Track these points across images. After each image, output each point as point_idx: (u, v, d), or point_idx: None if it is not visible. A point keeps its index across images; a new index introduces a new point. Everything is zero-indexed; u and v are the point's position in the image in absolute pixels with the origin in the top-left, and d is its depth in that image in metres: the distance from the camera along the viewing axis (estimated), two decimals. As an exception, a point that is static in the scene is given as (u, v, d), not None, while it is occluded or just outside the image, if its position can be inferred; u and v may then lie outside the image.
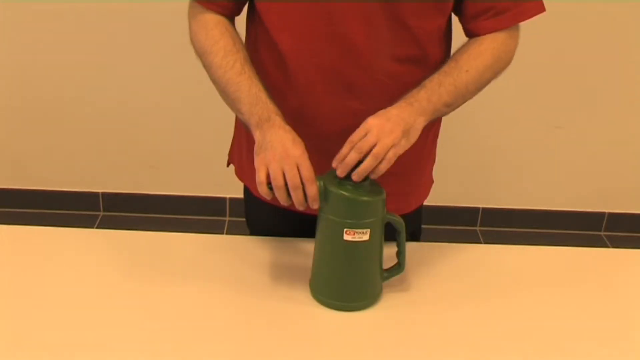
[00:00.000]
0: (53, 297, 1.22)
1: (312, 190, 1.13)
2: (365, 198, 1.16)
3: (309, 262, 1.26)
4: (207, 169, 2.84)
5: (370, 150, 1.12)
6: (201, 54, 1.26)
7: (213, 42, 1.24)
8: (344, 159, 1.13)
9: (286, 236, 1.41)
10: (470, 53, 1.27)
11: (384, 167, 1.14)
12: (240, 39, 1.28)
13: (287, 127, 1.18)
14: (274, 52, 1.27)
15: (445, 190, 2.44)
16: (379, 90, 1.28)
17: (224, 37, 1.25)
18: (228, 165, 1.51)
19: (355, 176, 1.14)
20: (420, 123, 1.18)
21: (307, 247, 1.27)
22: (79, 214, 2.98)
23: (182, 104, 2.77)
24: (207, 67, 1.26)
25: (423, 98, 1.20)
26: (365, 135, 1.13)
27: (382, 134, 1.13)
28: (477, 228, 3.06)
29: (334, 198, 1.16)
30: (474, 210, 3.03)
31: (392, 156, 1.14)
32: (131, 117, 2.80)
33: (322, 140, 1.29)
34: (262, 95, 1.21)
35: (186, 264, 1.32)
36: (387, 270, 1.26)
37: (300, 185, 1.12)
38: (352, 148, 1.13)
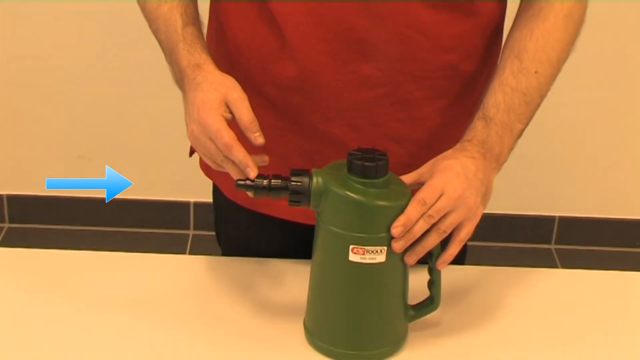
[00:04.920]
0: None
1: (236, 155, 1.00)
2: (381, 202, 0.99)
3: (304, 293, 1.10)
4: (163, 163, 2.52)
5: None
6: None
7: None
8: (410, 225, 0.98)
9: (271, 255, 1.27)
10: (536, 40, 1.12)
11: (454, 252, 1.02)
12: None
13: (200, 83, 1.06)
14: (262, 11, 1.15)
15: (507, 196, 2.29)
16: (403, 49, 1.11)
17: None
18: (191, 154, 1.35)
19: (409, 259, 1.01)
20: (494, 179, 1.10)
21: (301, 271, 1.13)
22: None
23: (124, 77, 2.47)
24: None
25: (494, 142, 1.07)
26: (440, 196, 1.00)
27: (459, 202, 1.00)
28: (552, 246, 2.82)
29: (337, 201, 0.99)
30: (548, 221, 2.80)
31: (465, 237, 1.02)
32: (47, 98, 2.51)
33: (324, 120, 1.17)
34: (174, 41, 1.10)
35: (132, 295, 1.17)
36: (414, 306, 1.09)
37: (227, 159, 1.03)
38: (423, 212, 0.99)
